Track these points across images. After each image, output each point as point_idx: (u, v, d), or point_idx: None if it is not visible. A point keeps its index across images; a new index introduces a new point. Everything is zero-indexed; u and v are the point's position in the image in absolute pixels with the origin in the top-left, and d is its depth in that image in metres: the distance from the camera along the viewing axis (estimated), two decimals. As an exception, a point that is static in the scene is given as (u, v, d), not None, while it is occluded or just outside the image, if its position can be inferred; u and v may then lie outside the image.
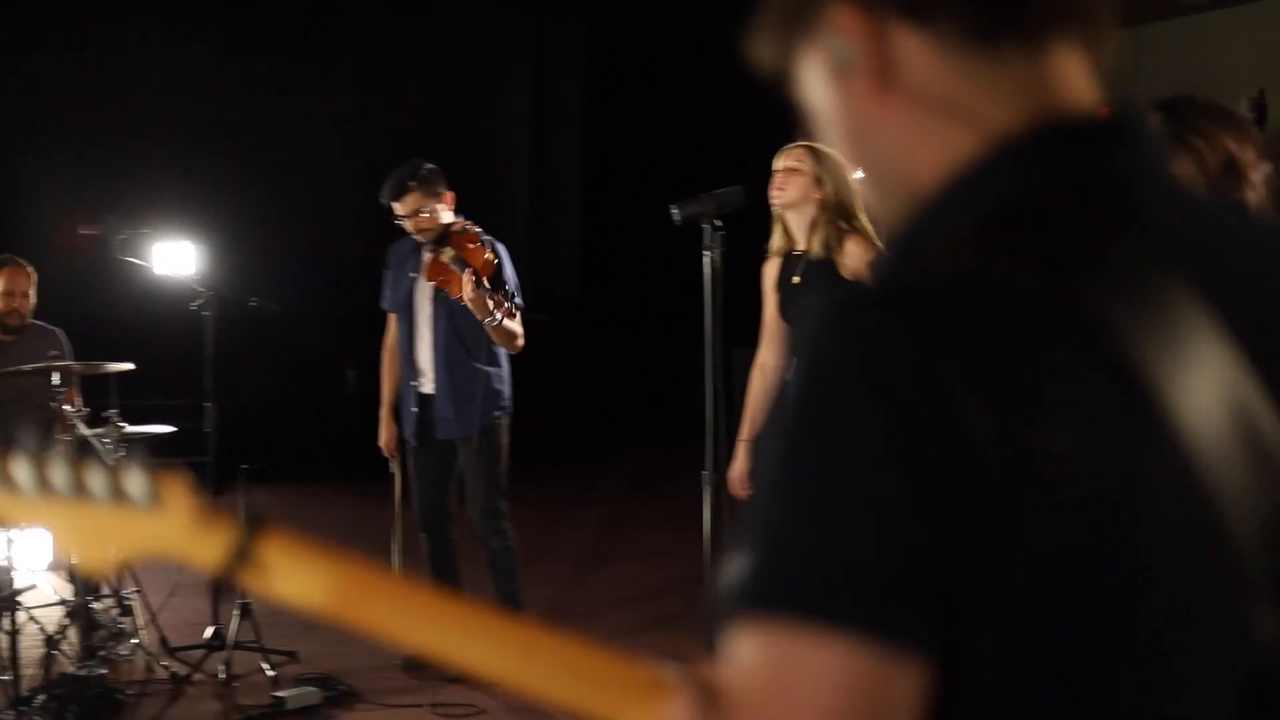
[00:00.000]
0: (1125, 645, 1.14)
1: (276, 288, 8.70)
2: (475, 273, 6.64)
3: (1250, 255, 1.31)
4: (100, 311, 9.97)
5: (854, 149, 1.36)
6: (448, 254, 6.79)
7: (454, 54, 13.70)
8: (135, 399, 7.49)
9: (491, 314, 6.61)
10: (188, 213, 9.86)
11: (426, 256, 6.98)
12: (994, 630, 1.13)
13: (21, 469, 1.51)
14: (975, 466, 1.10)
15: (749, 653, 1.13)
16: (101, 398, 7.23)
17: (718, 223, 5.79)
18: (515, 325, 6.81)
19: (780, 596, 1.12)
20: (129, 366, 7.06)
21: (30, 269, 7.60)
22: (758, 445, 5.98)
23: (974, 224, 1.22)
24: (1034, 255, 1.17)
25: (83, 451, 6.79)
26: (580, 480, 12.10)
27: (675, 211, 6.02)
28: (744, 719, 1.13)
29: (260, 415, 10.20)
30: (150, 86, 12.78)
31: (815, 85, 1.36)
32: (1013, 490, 1.11)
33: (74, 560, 1.68)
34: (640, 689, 1.39)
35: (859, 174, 1.39)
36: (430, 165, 7.02)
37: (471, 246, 6.82)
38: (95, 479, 1.47)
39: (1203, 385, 1.17)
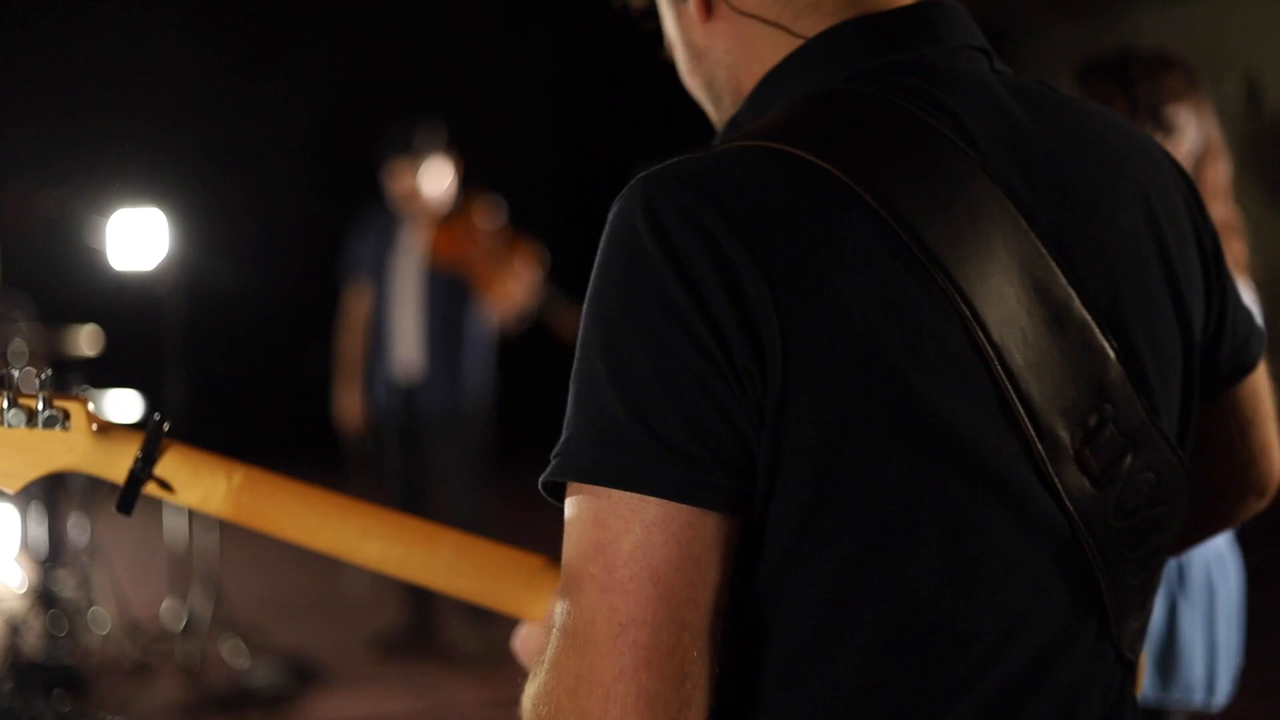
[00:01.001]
0: (915, 502, 1.21)
1: (240, 264, 8.60)
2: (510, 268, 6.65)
3: (1051, 138, 1.35)
4: (63, 285, 9.87)
5: (692, 68, 1.50)
6: (477, 243, 6.69)
7: (423, 23, 13.66)
8: (101, 372, 7.36)
9: (517, 309, 6.65)
10: (152, 189, 9.75)
11: (431, 233, 6.80)
12: (788, 494, 1.21)
13: None
14: (760, 328, 1.18)
15: (573, 520, 1.22)
16: (61, 369, 7.09)
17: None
18: (527, 315, 6.86)
19: (596, 467, 1.20)
20: (95, 336, 6.91)
21: None
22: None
23: (774, 114, 1.31)
24: (820, 139, 1.24)
25: None
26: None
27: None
28: (574, 585, 1.21)
29: (224, 394, 10.11)
30: (115, 62, 12.74)
31: (667, 20, 1.52)
32: (796, 352, 1.18)
33: None
34: (537, 575, 1.59)
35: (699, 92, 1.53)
36: (433, 128, 6.93)
37: (502, 242, 6.76)
38: (8, 405, 1.62)
39: (996, 267, 1.24)
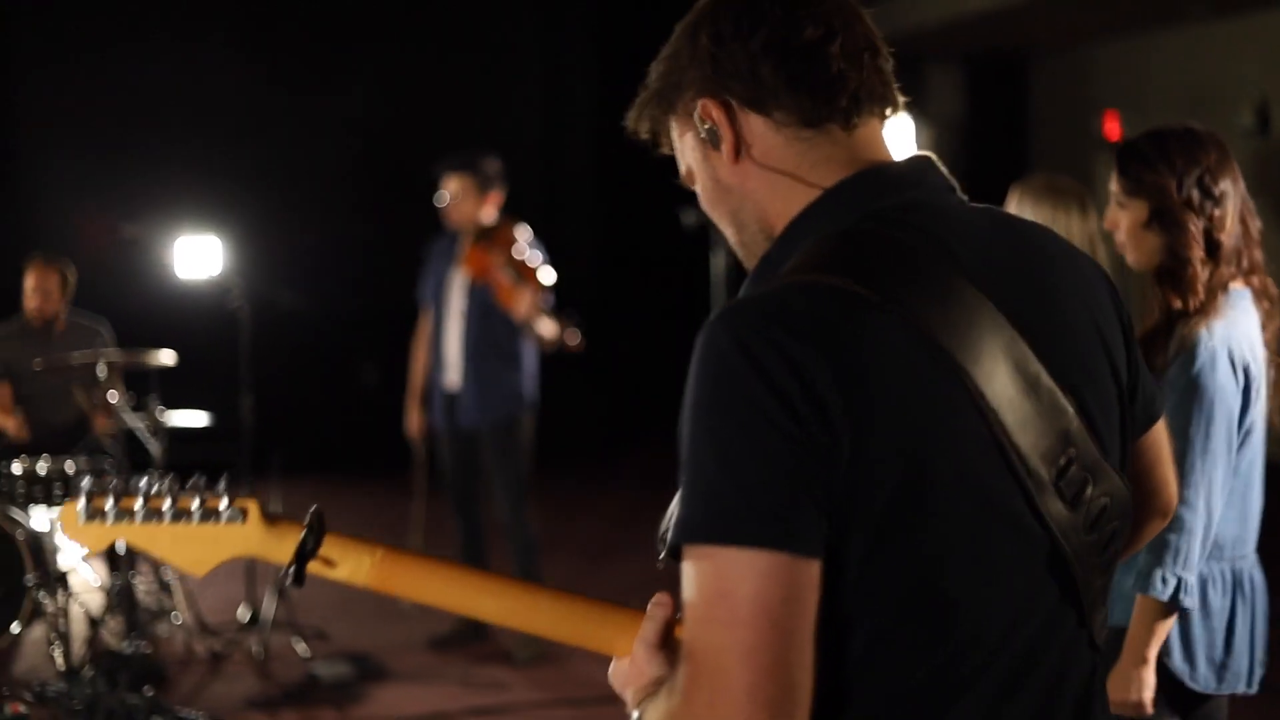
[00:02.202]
0: (947, 531, 1.65)
1: (296, 284, 8.98)
2: (526, 285, 7.05)
3: (1011, 252, 1.81)
4: (129, 305, 10.24)
5: (718, 203, 1.88)
6: (500, 260, 7.15)
7: (468, 54, 13.92)
8: (172, 389, 7.77)
9: (538, 321, 7.03)
10: (208, 210, 10.13)
11: (466, 249, 7.32)
12: (859, 535, 1.61)
13: (136, 503, 2.04)
14: (831, 417, 1.58)
15: (696, 575, 1.59)
16: (141, 388, 7.54)
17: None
18: (552, 329, 7.17)
19: (713, 530, 1.58)
20: (171, 357, 7.35)
21: (62, 267, 7.80)
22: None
23: (808, 252, 1.71)
24: (853, 270, 1.66)
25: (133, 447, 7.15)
26: (591, 478, 12.40)
27: (685, 215, 6.34)
28: (698, 625, 1.58)
29: (287, 407, 10.46)
30: (170, 85, 12.93)
31: (686, 152, 1.89)
32: (859, 435, 1.59)
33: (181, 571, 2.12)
34: (619, 624, 1.93)
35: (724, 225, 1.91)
36: (493, 160, 7.41)
37: (520, 260, 7.18)
38: (192, 504, 2.04)
39: (988, 352, 1.68)
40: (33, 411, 7.56)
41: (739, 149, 1.82)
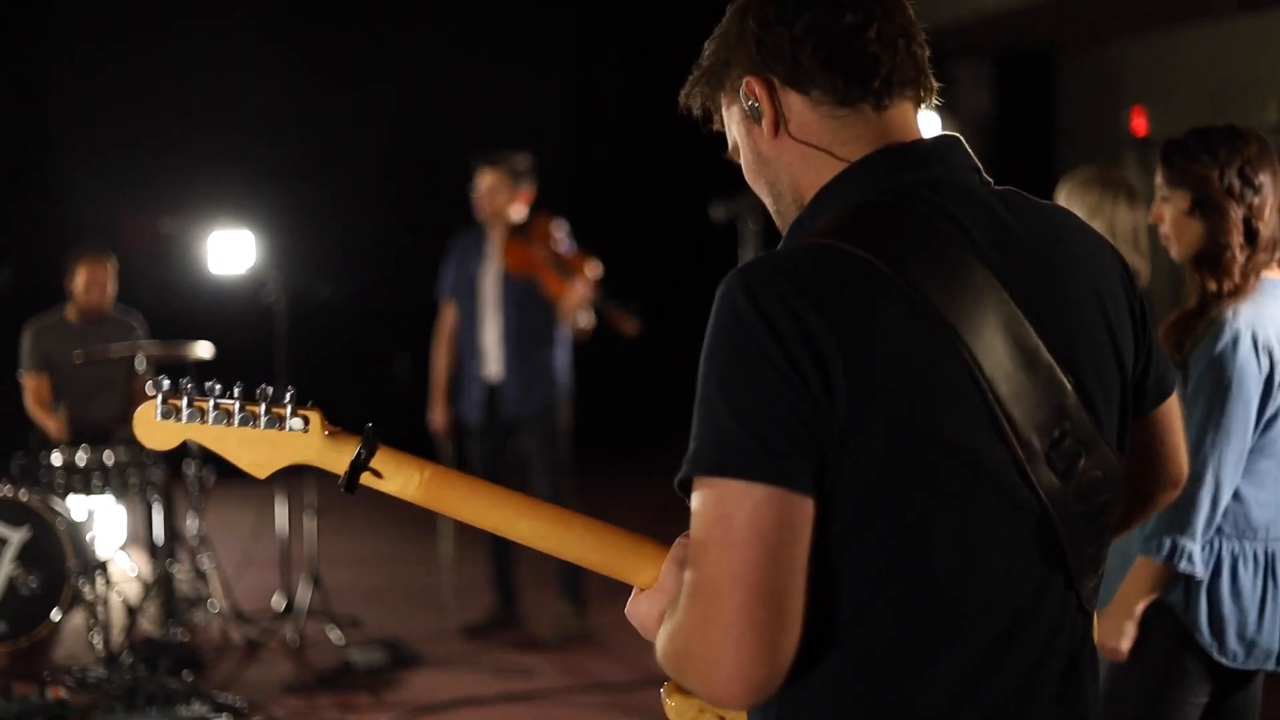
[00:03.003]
0: (938, 494, 1.76)
1: (328, 277, 9.08)
2: (576, 277, 7.20)
3: (1023, 232, 1.90)
4: (166, 299, 10.36)
5: (759, 174, 2.00)
6: (542, 254, 7.26)
7: (499, 48, 13.99)
8: (208, 381, 7.88)
9: (580, 312, 7.18)
10: (241, 205, 10.23)
11: (502, 244, 7.44)
12: (849, 490, 1.73)
13: (208, 405, 2.16)
14: (829, 371, 1.71)
15: (699, 504, 1.73)
16: (176, 378, 7.64)
17: (755, 222, 6.22)
18: (589, 320, 7.37)
19: (716, 463, 1.71)
20: (208, 349, 7.47)
21: (109, 260, 7.95)
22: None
23: (830, 219, 1.85)
24: (865, 238, 1.79)
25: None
26: (622, 470, 12.50)
27: (714, 210, 6.42)
28: (700, 549, 1.71)
29: (321, 400, 10.54)
30: (202, 79, 13.07)
31: (733, 126, 2.01)
32: (854, 388, 1.71)
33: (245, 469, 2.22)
34: (648, 554, 2.07)
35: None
36: (525, 156, 7.54)
37: (562, 253, 7.30)
38: (260, 410, 2.16)
39: (989, 326, 1.79)
40: (71, 403, 7.68)
41: (778, 124, 1.93)
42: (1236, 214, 3.47)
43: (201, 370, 7.64)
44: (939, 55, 2.00)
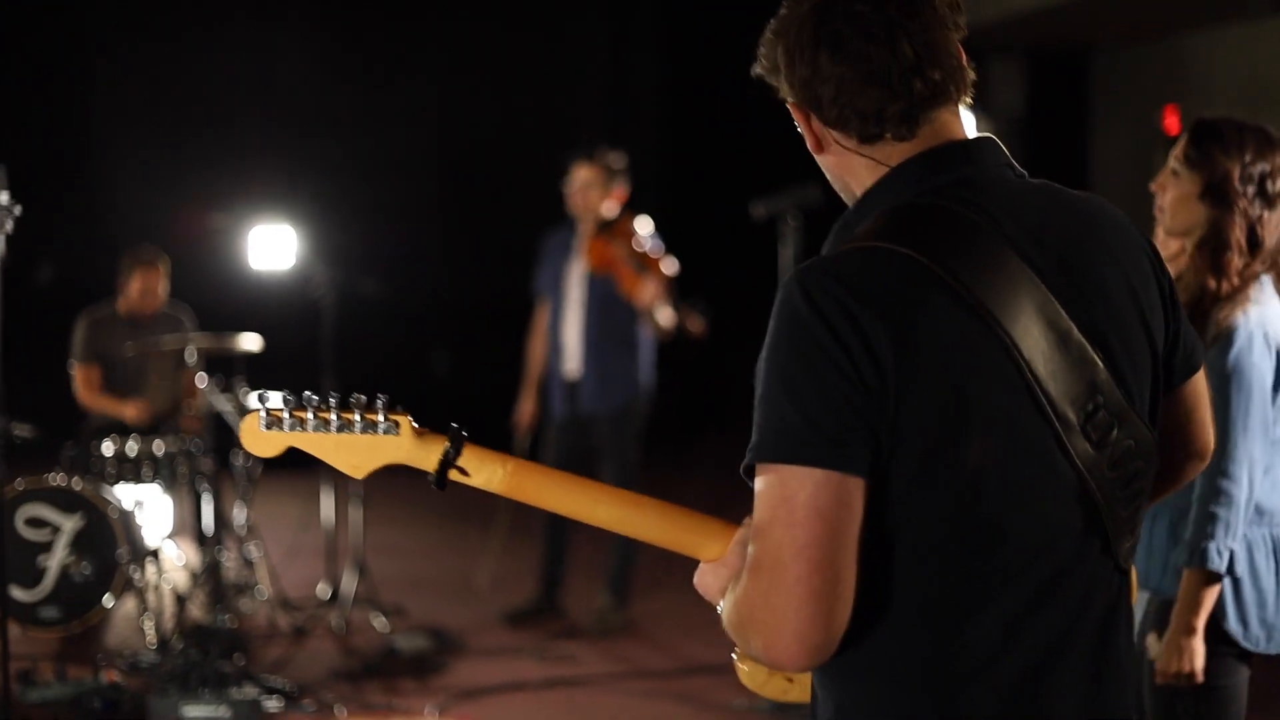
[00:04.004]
0: (983, 464, 1.93)
1: (367, 273, 9.21)
2: (650, 275, 7.35)
3: (1055, 222, 2.06)
4: (214, 293, 10.48)
5: (831, 179, 2.17)
6: (623, 251, 7.38)
7: (537, 47, 14.09)
8: (255, 373, 8.03)
9: (659, 310, 7.31)
10: (282, 199, 10.36)
11: (587, 240, 7.56)
12: (904, 465, 1.90)
13: (307, 415, 2.33)
14: (881, 362, 1.88)
15: (764, 488, 1.90)
16: (226, 373, 7.81)
17: (795, 219, 6.31)
18: (669, 317, 7.44)
19: (778, 450, 1.89)
20: (256, 342, 7.61)
21: (163, 265, 8.11)
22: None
23: (874, 221, 2.01)
24: (907, 237, 1.95)
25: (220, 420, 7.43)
26: (668, 465, 12.58)
27: (754, 207, 6.52)
28: (764, 528, 1.89)
29: (365, 393, 10.66)
30: (242, 75, 13.22)
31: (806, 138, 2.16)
32: (906, 381, 1.88)
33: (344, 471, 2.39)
34: (715, 532, 2.23)
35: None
36: (620, 155, 7.71)
37: (642, 251, 7.41)
38: (354, 417, 2.33)
39: (1024, 311, 1.95)
40: (122, 394, 7.84)
41: (820, 143, 2.12)
42: (1245, 215, 3.52)
43: (250, 363, 7.81)
44: (971, 54, 2.13)
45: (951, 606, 1.95)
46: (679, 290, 7.68)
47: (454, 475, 2.32)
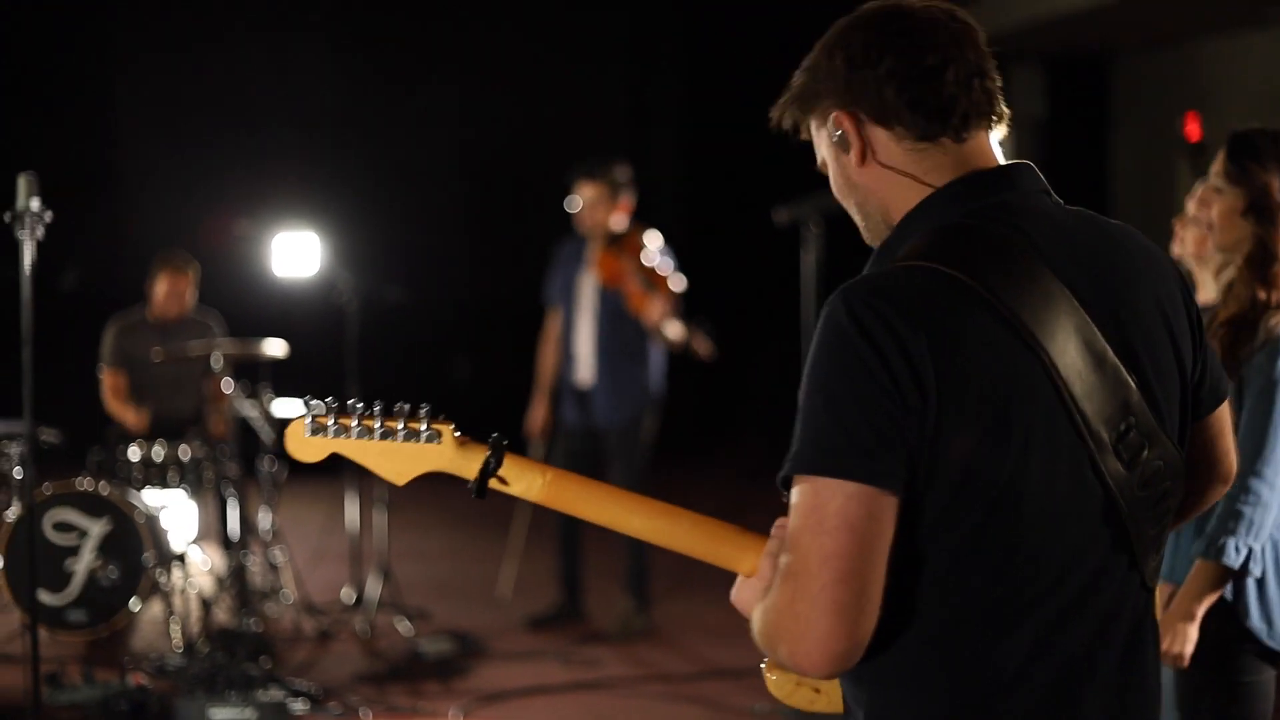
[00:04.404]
0: (1018, 482, 1.96)
1: (388, 280, 9.25)
2: (657, 292, 7.39)
3: (1091, 247, 2.10)
4: (241, 299, 10.53)
5: (847, 195, 2.19)
6: (631, 266, 7.43)
7: (558, 55, 14.13)
8: (281, 379, 8.08)
9: (668, 326, 7.37)
10: (305, 206, 10.41)
11: (597, 254, 7.60)
12: (941, 480, 1.93)
13: (352, 422, 2.39)
14: (923, 379, 1.90)
15: (798, 498, 1.93)
16: (251, 378, 7.87)
17: (818, 225, 6.34)
18: (679, 332, 7.48)
19: (814, 463, 1.92)
20: (282, 348, 7.67)
21: (191, 270, 8.17)
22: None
23: (918, 241, 2.04)
24: (950, 257, 1.99)
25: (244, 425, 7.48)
26: (687, 472, 12.62)
27: (777, 214, 6.54)
28: (795, 537, 1.92)
29: (389, 399, 10.72)
30: (264, 83, 13.31)
31: (822, 147, 2.20)
32: (945, 391, 1.91)
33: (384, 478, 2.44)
34: (749, 544, 2.27)
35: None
36: (624, 168, 7.70)
37: (650, 267, 7.46)
38: (397, 425, 2.38)
39: (1062, 332, 1.98)
40: (149, 400, 7.91)
41: (865, 154, 2.13)
42: None
43: (275, 369, 7.86)
44: (993, 59, 2.17)
45: (982, 621, 1.98)
46: (688, 307, 7.71)
47: (493, 484, 2.37)
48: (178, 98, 13.32)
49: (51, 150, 11.54)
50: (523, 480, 2.37)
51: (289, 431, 2.42)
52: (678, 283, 7.54)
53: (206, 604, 7.19)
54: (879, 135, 2.11)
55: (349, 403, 2.40)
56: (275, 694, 6.05)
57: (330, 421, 2.39)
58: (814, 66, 2.17)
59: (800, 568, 1.90)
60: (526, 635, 7.67)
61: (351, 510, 8.04)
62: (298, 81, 13.36)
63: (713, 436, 14.06)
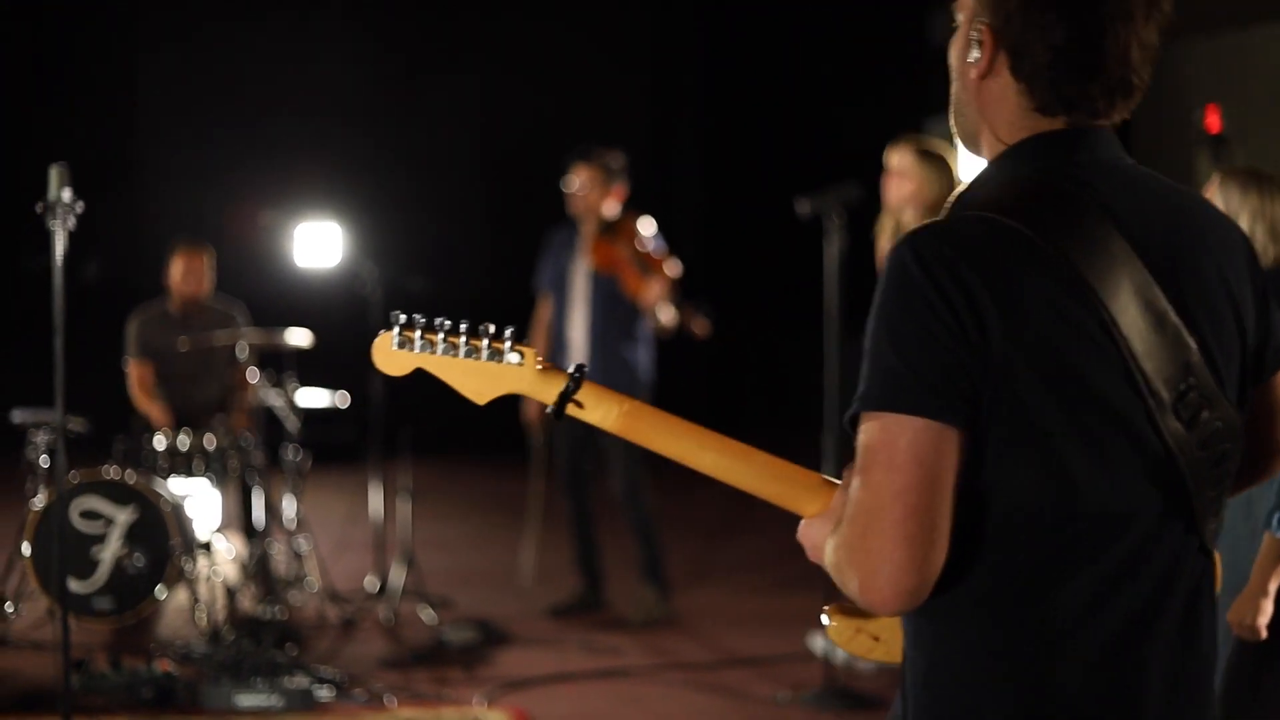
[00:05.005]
0: (1075, 431, 2.00)
1: (411, 269, 9.30)
2: (654, 276, 7.43)
3: (1158, 210, 2.13)
4: (265, 289, 10.58)
5: (957, 99, 2.23)
6: (626, 252, 7.47)
7: (580, 44, 14.15)
8: (306, 369, 8.14)
9: (662, 309, 7.38)
10: (328, 196, 10.45)
11: (591, 241, 7.66)
12: (1000, 425, 1.98)
13: (438, 338, 2.41)
14: (985, 321, 1.95)
15: (867, 434, 1.99)
16: (276, 368, 7.93)
17: (840, 216, 6.37)
18: (672, 316, 7.51)
19: (883, 400, 1.97)
20: (307, 338, 7.72)
21: (205, 252, 8.21)
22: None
23: (992, 192, 2.10)
24: (1022, 211, 2.03)
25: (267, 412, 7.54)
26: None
27: (800, 204, 6.57)
28: (865, 472, 1.97)
29: (414, 388, 10.80)
30: (286, 71, 13.37)
31: (955, 51, 2.22)
32: (1007, 336, 1.96)
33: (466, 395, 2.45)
34: (816, 486, 2.30)
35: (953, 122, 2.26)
36: (618, 155, 7.76)
37: (646, 252, 7.50)
38: (482, 344, 2.40)
39: (1124, 290, 2.02)
40: (175, 390, 7.96)
41: (986, 74, 2.15)
42: None
43: (300, 358, 7.92)
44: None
45: (1037, 572, 2.02)
46: (696, 287, 7.74)
47: (571, 409, 2.37)
48: (199, 88, 13.36)
49: (74, 141, 11.58)
50: (600, 408, 2.38)
51: (376, 344, 2.43)
52: (673, 267, 7.58)
53: (231, 592, 7.25)
54: (1004, 64, 2.14)
55: (437, 319, 2.41)
56: (300, 681, 6.11)
57: (417, 335, 2.40)
58: None
59: (872, 502, 1.95)
60: (548, 622, 7.72)
61: (375, 499, 8.10)
62: (320, 72, 13.40)
63: (734, 426, 14.06)
